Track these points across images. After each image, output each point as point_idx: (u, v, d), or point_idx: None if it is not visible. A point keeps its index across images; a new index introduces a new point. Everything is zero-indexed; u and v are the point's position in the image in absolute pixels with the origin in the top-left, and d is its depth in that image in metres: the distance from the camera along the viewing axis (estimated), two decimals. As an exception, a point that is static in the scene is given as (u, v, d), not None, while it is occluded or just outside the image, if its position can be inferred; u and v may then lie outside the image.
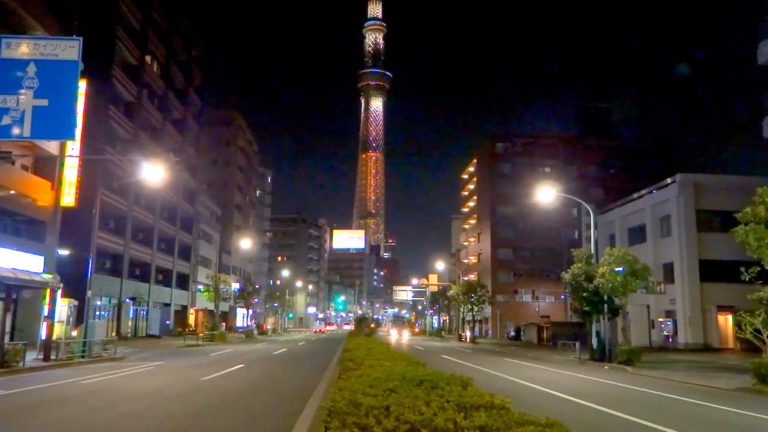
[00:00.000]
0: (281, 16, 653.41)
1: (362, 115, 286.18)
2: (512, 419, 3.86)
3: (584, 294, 25.98)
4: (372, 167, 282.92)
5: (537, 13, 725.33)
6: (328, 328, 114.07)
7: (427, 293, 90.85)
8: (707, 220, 37.17)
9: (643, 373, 19.98)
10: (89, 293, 26.58)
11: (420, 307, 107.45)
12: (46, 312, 23.10)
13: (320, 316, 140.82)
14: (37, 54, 15.88)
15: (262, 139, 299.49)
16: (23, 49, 15.95)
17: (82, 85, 23.00)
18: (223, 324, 59.90)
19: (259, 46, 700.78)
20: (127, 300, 43.41)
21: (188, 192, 57.15)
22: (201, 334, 43.25)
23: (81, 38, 16.79)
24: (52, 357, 20.20)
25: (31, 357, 19.65)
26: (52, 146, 25.19)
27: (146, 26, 45.28)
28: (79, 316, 30.96)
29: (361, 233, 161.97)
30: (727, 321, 35.59)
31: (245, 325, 72.95)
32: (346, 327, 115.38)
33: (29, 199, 25.12)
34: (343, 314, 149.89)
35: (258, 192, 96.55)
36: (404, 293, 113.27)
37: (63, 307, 29.92)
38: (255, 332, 58.55)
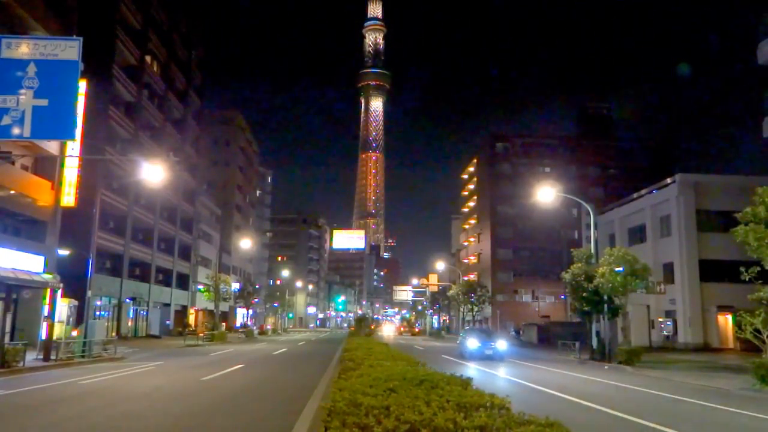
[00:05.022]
0: (281, 16, 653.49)
1: (362, 115, 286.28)
2: (512, 419, 3.86)
3: (584, 294, 26.00)
4: (372, 167, 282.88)
5: (537, 12, 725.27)
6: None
7: (427, 293, 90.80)
8: (707, 220, 37.17)
9: (643, 373, 19.99)
10: (89, 293, 26.54)
11: (420, 307, 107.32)
12: (46, 312, 23.10)
13: (320, 316, 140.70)
14: (37, 54, 15.87)
15: (262, 139, 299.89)
16: (23, 49, 15.95)
17: (82, 85, 22.98)
18: (223, 324, 59.89)
19: (258, 46, 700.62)
20: (127, 300, 43.40)
21: (188, 192, 57.11)
22: (201, 334, 43.23)
23: (81, 38, 16.78)
24: (52, 357, 20.19)
25: (31, 357, 19.65)
26: (52, 146, 25.18)
27: (146, 26, 45.25)
28: (79, 316, 30.95)
29: (361, 233, 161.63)
30: (727, 321, 35.59)
31: (246, 324, 72.94)
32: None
33: (29, 199, 25.11)
34: (343, 314, 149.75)
35: (258, 192, 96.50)
36: (404, 293, 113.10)
37: (63, 307, 29.91)
38: (255, 332, 58.53)
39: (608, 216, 47.46)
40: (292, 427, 8.01)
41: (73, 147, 25.69)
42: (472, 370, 19.67)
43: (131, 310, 44.99)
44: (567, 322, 51.81)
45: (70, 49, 16.16)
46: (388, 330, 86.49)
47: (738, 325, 18.03)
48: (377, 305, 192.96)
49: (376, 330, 73.15)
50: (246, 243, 69.43)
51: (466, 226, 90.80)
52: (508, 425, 3.72)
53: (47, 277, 23.61)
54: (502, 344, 26.43)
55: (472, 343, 26.03)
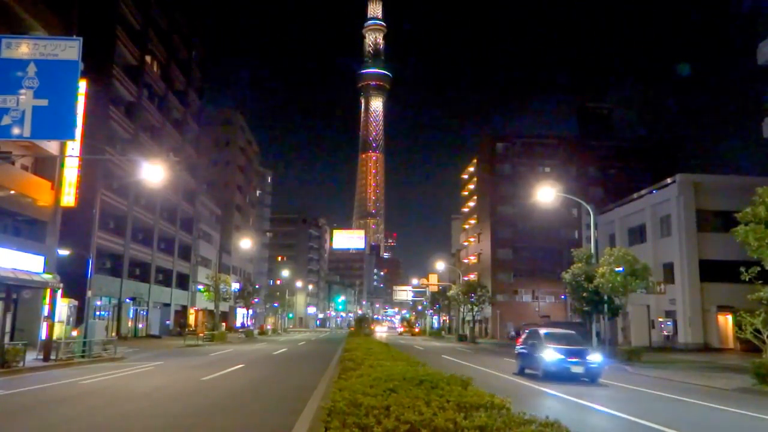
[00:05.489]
0: (281, 16, 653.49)
1: (362, 115, 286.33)
2: (512, 419, 3.86)
3: (584, 294, 26.03)
4: (372, 167, 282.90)
5: (537, 12, 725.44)
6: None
7: (427, 293, 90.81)
8: (707, 220, 37.18)
9: (643, 373, 19.99)
10: (89, 293, 26.54)
11: (420, 307, 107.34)
12: (46, 312, 23.10)
13: (320, 316, 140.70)
14: (37, 54, 15.86)
15: (262, 139, 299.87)
16: (23, 49, 15.94)
17: (82, 85, 22.98)
18: (223, 324, 59.90)
19: (259, 46, 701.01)
20: (127, 300, 43.40)
21: (188, 192, 57.11)
22: (201, 334, 43.23)
23: (81, 38, 16.77)
24: (52, 357, 20.18)
25: (31, 357, 19.64)
26: (52, 146, 25.18)
27: (146, 26, 45.25)
28: (79, 316, 30.95)
29: (361, 233, 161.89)
30: (727, 321, 35.59)
31: (245, 324, 72.95)
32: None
33: (29, 199, 25.11)
34: (343, 314, 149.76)
35: (258, 192, 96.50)
36: (404, 293, 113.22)
37: (63, 307, 29.89)
38: (255, 332, 58.54)
39: (608, 216, 47.46)
40: (292, 427, 8.01)
41: (73, 147, 25.69)
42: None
43: (131, 310, 44.98)
44: (567, 322, 51.83)
45: (70, 49, 16.15)
46: (382, 330, 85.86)
47: (738, 325, 18.06)
48: (377, 305, 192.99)
49: (374, 330, 73.06)
50: (246, 243, 69.43)
51: (466, 226, 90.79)
52: (508, 425, 3.72)
53: (47, 277, 23.62)
54: (596, 357, 17.10)
55: (551, 354, 16.74)
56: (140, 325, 46.72)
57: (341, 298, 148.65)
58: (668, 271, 38.48)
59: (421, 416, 3.88)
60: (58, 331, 25.48)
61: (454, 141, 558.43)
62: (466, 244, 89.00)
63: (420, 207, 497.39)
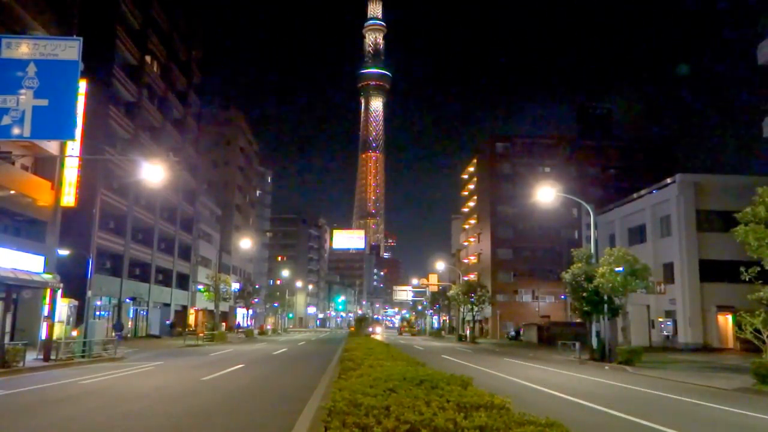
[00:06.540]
0: (281, 16, 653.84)
1: (362, 115, 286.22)
2: (512, 419, 3.86)
3: (584, 294, 25.98)
4: (372, 167, 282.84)
5: (537, 12, 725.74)
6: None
7: (427, 293, 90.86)
8: (707, 220, 37.17)
9: (643, 373, 19.98)
10: (89, 293, 26.57)
11: (420, 307, 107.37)
12: (46, 312, 23.09)
13: (320, 316, 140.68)
14: (37, 54, 15.88)
15: (262, 139, 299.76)
16: (23, 49, 15.96)
17: (82, 85, 23.00)
18: (223, 324, 59.89)
19: (259, 46, 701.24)
20: (127, 300, 43.39)
21: (188, 192, 57.11)
22: (201, 334, 43.22)
23: (81, 38, 16.79)
24: (52, 357, 20.20)
25: (31, 357, 19.65)
26: (52, 146, 25.17)
27: (146, 26, 45.24)
28: (79, 316, 30.95)
29: (361, 233, 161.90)
30: (727, 321, 35.59)
31: (245, 325, 72.93)
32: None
33: (29, 199, 25.11)
34: (343, 314, 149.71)
35: (258, 192, 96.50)
36: (404, 293, 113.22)
37: (63, 307, 29.89)
38: (255, 332, 58.55)
39: (608, 216, 47.44)
40: (292, 427, 8.01)
41: (73, 147, 25.71)
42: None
43: (131, 310, 44.98)
44: (567, 322, 51.83)
45: (70, 49, 16.16)
46: (382, 330, 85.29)
47: (738, 325, 18.05)
48: (377, 305, 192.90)
49: (374, 330, 73.11)
50: (246, 243, 69.44)
51: (466, 226, 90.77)
52: (508, 425, 3.72)
53: (47, 277, 23.60)
54: None
55: None
56: (140, 325, 46.71)
57: (341, 298, 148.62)
58: (668, 271, 38.47)
59: (421, 416, 3.88)
60: (58, 331, 25.47)
61: (454, 141, 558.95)
62: (466, 244, 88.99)
63: (420, 207, 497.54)
